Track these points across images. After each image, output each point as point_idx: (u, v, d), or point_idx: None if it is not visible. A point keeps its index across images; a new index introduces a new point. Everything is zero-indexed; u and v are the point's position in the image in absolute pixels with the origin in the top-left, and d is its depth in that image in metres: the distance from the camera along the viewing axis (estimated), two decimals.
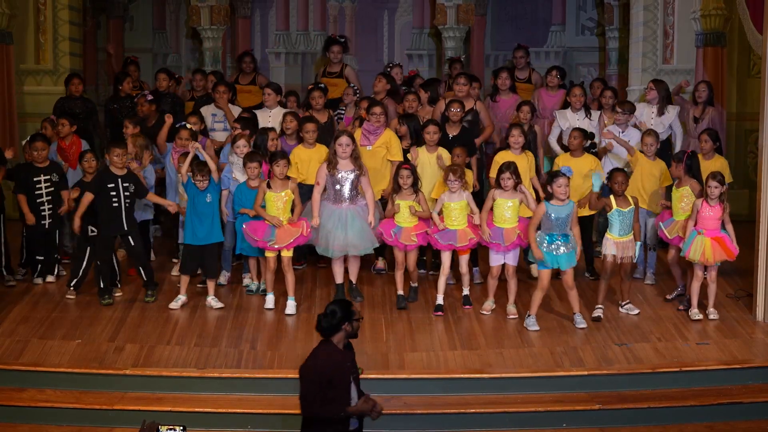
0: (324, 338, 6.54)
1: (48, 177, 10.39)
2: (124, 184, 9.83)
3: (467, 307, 9.88)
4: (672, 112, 11.54)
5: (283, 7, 16.08)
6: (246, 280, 10.43)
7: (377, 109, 10.70)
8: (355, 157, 9.86)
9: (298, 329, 9.26)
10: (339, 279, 10.09)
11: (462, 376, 8.32)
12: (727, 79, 13.50)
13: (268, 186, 9.73)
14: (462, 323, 9.43)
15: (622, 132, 10.90)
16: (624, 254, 9.46)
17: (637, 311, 9.62)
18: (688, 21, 13.50)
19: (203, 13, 15.07)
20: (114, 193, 9.81)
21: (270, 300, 9.89)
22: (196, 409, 7.96)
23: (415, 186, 9.83)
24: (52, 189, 10.40)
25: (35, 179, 10.35)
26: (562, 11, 16.03)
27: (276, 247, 9.63)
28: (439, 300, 9.83)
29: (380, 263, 11.12)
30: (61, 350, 8.68)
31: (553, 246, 9.23)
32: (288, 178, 9.84)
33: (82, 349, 8.72)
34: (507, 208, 9.53)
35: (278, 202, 9.68)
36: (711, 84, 12.23)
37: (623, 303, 9.69)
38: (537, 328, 9.33)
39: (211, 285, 9.95)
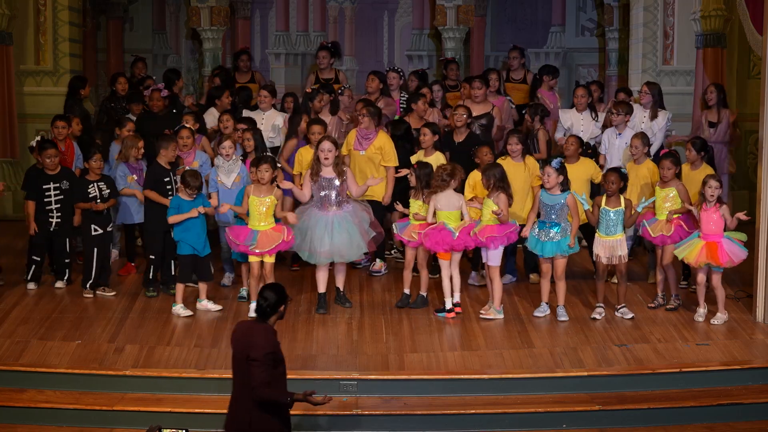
0: (261, 320, 6.84)
1: (58, 185, 10.35)
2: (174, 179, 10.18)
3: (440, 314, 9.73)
4: (662, 117, 11.47)
5: (283, 8, 16.08)
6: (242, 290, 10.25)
7: (359, 106, 10.68)
8: (337, 163, 9.69)
9: (297, 330, 9.26)
10: (322, 288, 9.83)
11: (462, 377, 8.32)
12: (727, 80, 13.49)
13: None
14: (462, 324, 9.43)
15: (619, 134, 10.90)
16: (611, 254, 9.47)
17: (631, 315, 9.56)
18: (688, 22, 13.51)
19: (203, 14, 15.08)
20: (169, 187, 10.18)
21: (254, 308, 9.77)
22: (196, 410, 7.95)
23: (427, 187, 9.73)
24: (62, 197, 10.35)
25: (45, 186, 10.33)
26: (561, 12, 16.03)
27: (257, 251, 9.49)
28: (447, 304, 9.73)
29: (377, 266, 11.08)
30: (61, 351, 8.67)
31: (542, 232, 9.43)
32: (275, 182, 9.65)
33: (82, 350, 8.72)
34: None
35: (261, 206, 9.51)
36: (721, 86, 12.18)
37: (618, 306, 9.65)
38: (543, 314, 9.52)
39: (203, 288, 9.89)
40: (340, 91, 12.25)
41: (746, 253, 9.33)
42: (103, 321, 9.42)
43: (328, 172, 9.68)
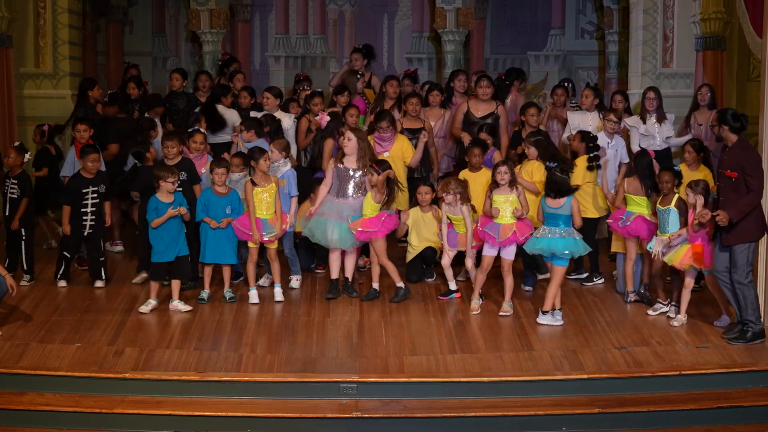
0: None
1: (96, 188, 10.51)
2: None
3: (443, 297, 10.21)
4: (670, 119, 11.53)
5: (283, 11, 16.12)
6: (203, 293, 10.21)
7: (383, 124, 10.83)
8: (361, 157, 9.99)
9: (298, 333, 9.26)
10: (335, 274, 10.21)
11: (462, 379, 8.32)
12: (726, 83, 13.51)
13: (253, 183, 9.89)
14: (462, 327, 9.43)
15: (610, 142, 10.95)
16: (668, 251, 9.47)
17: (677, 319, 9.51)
18: (687, 25, 13.52)
19: (203, 16, 15.11)
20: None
21: (254, 295, 10.05)
22: (196, 413, 7.94)
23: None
24: (98, 201, 10.54)
25: (84, 190, 10.48)
26: (561, 15, 16.07)
27: (270, 239, 9.91)
28: (451, 286, 10.24)
29: (360, 261, 11.21)
30: (61, 354, 8.67)
31: (551, 231, 9.47)
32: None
33: (82, 352, 8.72)
34: (504, 204, 9.61)
35: (264, 195, 9.89)
36: (713, 87, 12.20)
37: (666, 303, 9.70)
38: (556, 322, 9.50)
39: (176, 287, 9.92)
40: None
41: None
42: (103, 324, 9.41)
43: (349, 162, 10.01)
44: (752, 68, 13.51)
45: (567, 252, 9.39)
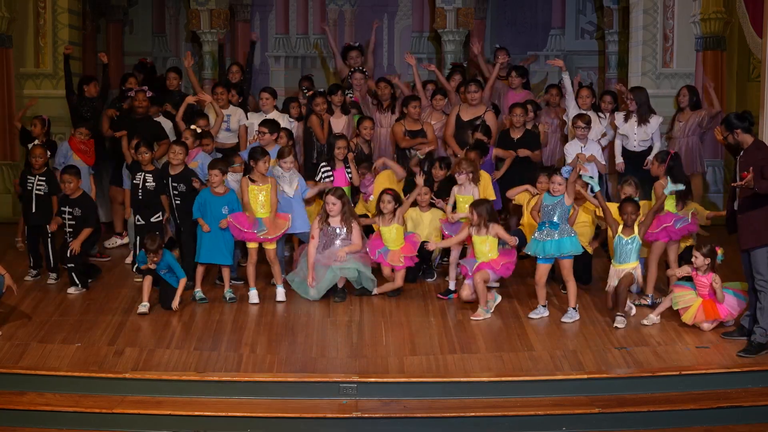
0: None
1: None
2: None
3: (442, 296, 10.23)
4: (654, 122, 11.58)
5: (283, 11, 16.10)
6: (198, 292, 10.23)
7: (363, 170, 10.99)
8: (346, 218, 10.01)
9: (298, 333, 9.26)
10: (340, 284, 10.21)
11: (462, 379, 8.32)
12: (726, 83, 13.51)
13: (251, 180, 9.99)
14: (462, 327, 9.43)
15: (583, 147, 11.07)
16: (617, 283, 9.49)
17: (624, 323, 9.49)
18: (687, 25, 13.53)
19: (203, 16, 15.09)
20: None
21: (254, 295, 10.07)
22: (196, 413, 7.94)
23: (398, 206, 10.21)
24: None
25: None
26: (561, 15, 16.06)
27: (268, 238, 9.94)
28: (450, 285, 10.28)
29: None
30: (61, 354, 8.67)
31: (541, 233, 9.45)
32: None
33: (82, 352, 8.72)
34: (481, 246, 9.69)
35: (259, 194, 9.95)
36: (694, 88, 12.27)
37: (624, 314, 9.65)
38: (538, 315, 9.58)
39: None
40: (350, 94, 12.38)
41: (746, 303, 9.22)
42: (103, 324, 9.42)
43: (335, 221, 10.03)
44: (752, 68, 13.51)
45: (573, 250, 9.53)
